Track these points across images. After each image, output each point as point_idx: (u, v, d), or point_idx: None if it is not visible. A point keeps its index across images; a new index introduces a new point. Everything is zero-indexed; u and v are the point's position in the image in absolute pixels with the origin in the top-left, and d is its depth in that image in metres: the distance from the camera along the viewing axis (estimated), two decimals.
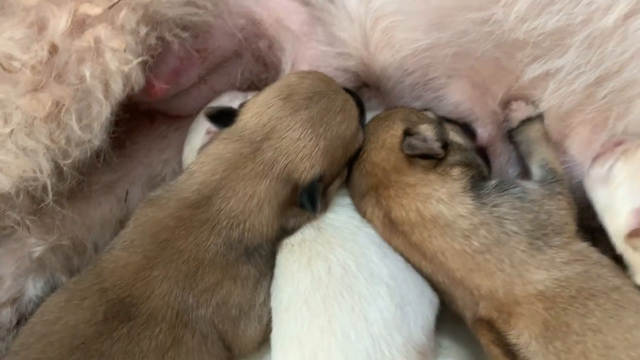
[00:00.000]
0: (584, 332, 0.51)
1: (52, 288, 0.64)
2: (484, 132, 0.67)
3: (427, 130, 0.60)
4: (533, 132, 0.64)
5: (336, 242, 0.56)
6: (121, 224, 0.67)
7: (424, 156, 0.59)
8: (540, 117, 0.64)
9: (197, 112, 0.68)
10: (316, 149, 0.57)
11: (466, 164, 0.61)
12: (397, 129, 0.60)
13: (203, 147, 0.61)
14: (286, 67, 0.66)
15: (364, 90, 0.70)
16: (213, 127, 0.62)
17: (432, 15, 0.61)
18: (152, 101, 0.65)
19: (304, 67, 0.66)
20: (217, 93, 0.68)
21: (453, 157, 0.60)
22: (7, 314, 0.61)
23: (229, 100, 0.66)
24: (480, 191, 0.58)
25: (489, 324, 0.56)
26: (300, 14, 0.65)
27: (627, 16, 0.56)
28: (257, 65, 0.68)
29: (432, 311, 0.57)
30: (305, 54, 0.66)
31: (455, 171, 0.59)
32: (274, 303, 0.58)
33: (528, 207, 0.58)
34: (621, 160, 0.59)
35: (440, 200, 0.57)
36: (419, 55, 0.64)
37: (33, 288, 0.63)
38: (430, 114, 0.65)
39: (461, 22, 0.60)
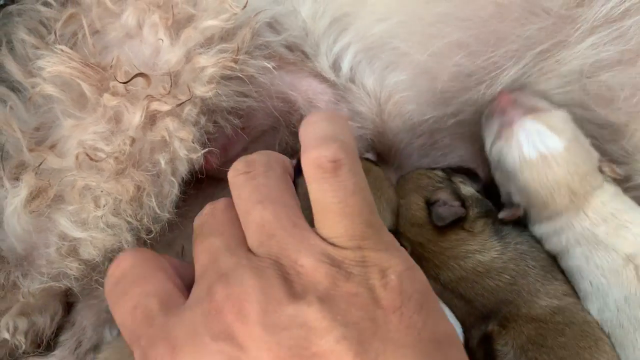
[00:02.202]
0: (552, 346, 0.64)
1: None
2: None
3: (444, 194, 0.70)
4: None
5: None
6: None
7: (453, 221, 0.68)
8: None
9: None
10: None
11: (485, 215, 0.70)
12: (419, 203, 0.70)
13: None
14: None
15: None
16: None
17: (438, 95, 0.74)
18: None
19: None
20: None
21: (473, 212, 0.70)
22: (90, 359, 0.73)
23: None
24: (502, 233, 0.70)
25: (488, 337, 0.68)
26: (327, 94, 0.76)
27: None
28: (291, 137, 0.79)
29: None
30: None
31: (479, 224, 0.69)
32: None
33: (539, 247, 0.70)
34: (494, 146, 0.69)
35: (476, 251, 0.68)
36: (425, 122, 0.77)
37: (109, 335, 0.74)
38: (439, 172, 0.74)
39: (462, 101, 0.73)
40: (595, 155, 0.69)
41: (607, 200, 0.68)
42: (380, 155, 0.82)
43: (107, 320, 0.74)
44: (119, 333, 0.75)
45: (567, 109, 0.71)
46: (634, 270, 0.65)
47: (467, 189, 0.73)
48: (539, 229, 0.70)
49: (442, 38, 0.70)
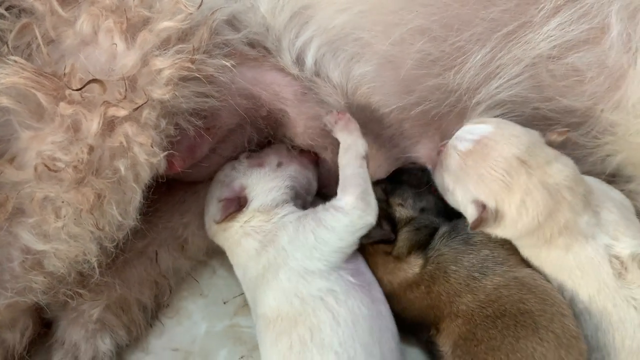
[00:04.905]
0: (482, 339, 0.65)
1: (116, 343, 0.76)
2: None
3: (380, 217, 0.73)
4: None
5: (299, 319, 0.66)
6: (156, 283, 0.78)
7: (382, 241, 0.73)
8: None
9: (210, 177, 0.78)
10: None
11: (414, 239, 0.72)
12: None
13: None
14: (285, 130, 0.77)
15: None
16: (223, 195, 0.74)
17: (401, 83, 0.72)
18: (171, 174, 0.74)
19: (300, 126, 0.77)
20: (225, 158, 0.79)
21: (401, 236, 0.73)
22: None
23: (224, 175, 0.76)
24: (428, 247, 0.72)
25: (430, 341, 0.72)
26: (293, 86, 0.75)
27: None
28: (258, 132, 0.78)
29: None
30: (300, 117, 0.77)
31: (405, 252, 0.72)
32: None
33: (471, 248, 0.71)
34: (444, 173, 0.70)
35: (402, 269, 0.72)
36: (392, 112, 0.76)
37: (103, 344, 0.75)
38: (379, 193, 0.74)
39: (424, 88, 0.72)
40: (534, 132, 0.67)
41: (571, 173, 0.64)
42: None
43: (96, 330, 0.74)
44: (110, 340, 0.74)
45: (531, 104, 0.71)
46: (610, 265, 0.64)
47: (404, 212, 0.75)
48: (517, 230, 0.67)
49: (404, 25, 0.68)
